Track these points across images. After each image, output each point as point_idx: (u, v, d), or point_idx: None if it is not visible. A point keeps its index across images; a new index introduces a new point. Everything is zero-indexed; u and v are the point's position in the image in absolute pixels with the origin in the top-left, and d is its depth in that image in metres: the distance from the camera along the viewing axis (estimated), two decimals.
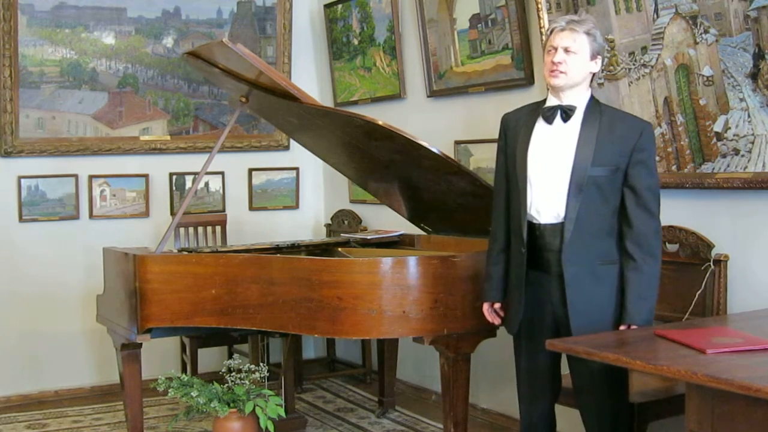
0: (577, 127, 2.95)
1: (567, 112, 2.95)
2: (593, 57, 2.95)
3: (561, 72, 2.91)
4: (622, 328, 2.89)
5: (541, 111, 3.02)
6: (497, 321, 3.26)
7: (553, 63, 2.91)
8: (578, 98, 2.97)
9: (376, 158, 4.04)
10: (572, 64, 2.91)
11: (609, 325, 2.91)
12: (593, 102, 2.99)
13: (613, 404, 2.98)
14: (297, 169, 6.01)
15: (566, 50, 2.91)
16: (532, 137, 3.01)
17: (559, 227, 2.93)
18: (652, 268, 2.89)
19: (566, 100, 2.97)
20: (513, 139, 3.08)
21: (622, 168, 2.90)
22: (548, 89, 3.04)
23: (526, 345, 3.10)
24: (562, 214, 2.91)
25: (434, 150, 3.65)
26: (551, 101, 3.01)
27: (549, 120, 2.99)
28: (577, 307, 2.91)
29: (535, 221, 2.98)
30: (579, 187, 2.89)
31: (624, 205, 2.92)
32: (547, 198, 2.95)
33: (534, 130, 3.02)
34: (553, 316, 2.99)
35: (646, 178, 2.90)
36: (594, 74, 3.01)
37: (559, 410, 3.21)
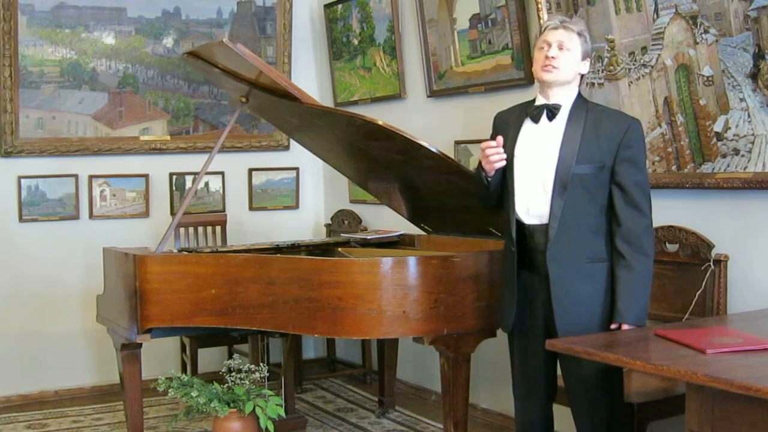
0: (562, 125, 2.95)
1: (552, 111, 2.96)
2: (583, 57, 2.97)
3: (554, 67, 2.91)
4: (613, 326, 2.87)
5: (528, 110, 3.03)
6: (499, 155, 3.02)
7: (547, 57, 2.91)
8: (565, 97, 2.97)
9: (376, 158, 4.04)
10: (565, 60, 2.92)
11: (597, 324, 2.90)
12: (580, 100, 2.99)
13: (608, 406, 2.95)
14: (297, 169, 6.01)
15: (560, 47, 2.92)
16: (519, 137, 3.02)
17: (545, 226, 2.92)
18: (644, 265, 2.88)
19: (553, 99, 2.97)
20: (502, 137, 3.06)
21: (609, 165, 2.89)
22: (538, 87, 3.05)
23: (519, 345, 3.09)
24: (548, 214, 2.91)
25: (434, 150, 3.65)
26: (539, 100, 3.02)
27: (535, 119, 2.99)
28: (564, 307, 2.89)
29: (523, 221, 2.98)
30: (563, 185, 2.88)
31: (612, 203, 2.91)
32: (533, 198, 2.95)
33: (521, 129, 3.03)
34: (543, 317, 2.98)
35: (633, 175, 2.88)
36: (582, 76, 3.02)
37: (558, 410, 3.21)
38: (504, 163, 3.01)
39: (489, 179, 3.06)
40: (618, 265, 2.89)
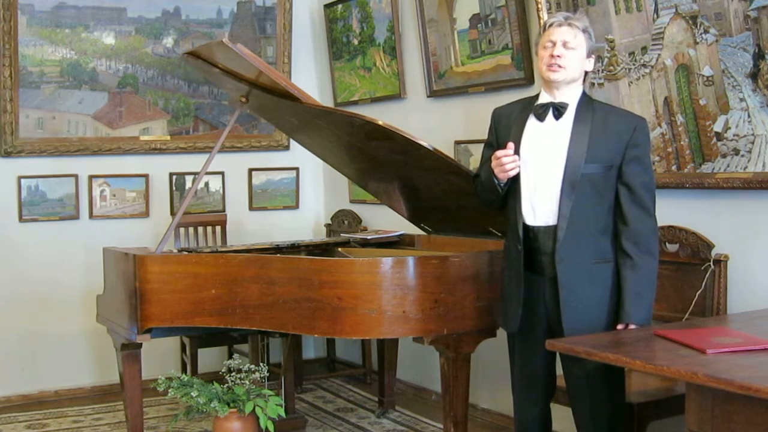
0: (569, 124, 2.91)
1: (559, 109, 2.92)
2: (588, 55, 2.94)
3: (560, 66, 2.88)
4: (620, 327, 2.86)
5: (532, 108, 3.00)
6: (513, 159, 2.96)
7: (552, 57, 2.88)
8: (571, 96, 2.94)
9: (376, 158, 4.04)
10: (571, 59, 2.89)
11: (602, 325, 2.89)
12: (585, 99, 2.96)
13: (611, 407, 2.95)
14: (297, 169, 6.01)
15: (565, 45, 2.88)
16: (524, 135, 2.98)
17: (552, 228, 2.89)
18: (650, 266, 2.87)
19: (559, 97, 2.93)
20: (504, 135, 3.04)
21: (617, 164, 2.87)
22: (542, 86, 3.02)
23: (520, 345, 3.08)
24: (556, 214, 2.88)
25: (434, 150, 3.65)
26: (543, 98, 2.98)
27: (541, 117, 2.95)
28: (571, 308, 2.88)
29: (528, 223, 2.95)
30: (572, 185, 2.86)
31: (619, 203, 2.89)
32: (540, 198, 2.92)
33: (525, 127, 2.98)
34: (546, 317, 2.96)
35: (641, 175, 2.87)
36: (587, 73, 3.00)
37: (556, 410, 3.21)
38: (518, 170, 2.96)
39: (502, 186, 3.00)
40: (624, 265, 2.87)
